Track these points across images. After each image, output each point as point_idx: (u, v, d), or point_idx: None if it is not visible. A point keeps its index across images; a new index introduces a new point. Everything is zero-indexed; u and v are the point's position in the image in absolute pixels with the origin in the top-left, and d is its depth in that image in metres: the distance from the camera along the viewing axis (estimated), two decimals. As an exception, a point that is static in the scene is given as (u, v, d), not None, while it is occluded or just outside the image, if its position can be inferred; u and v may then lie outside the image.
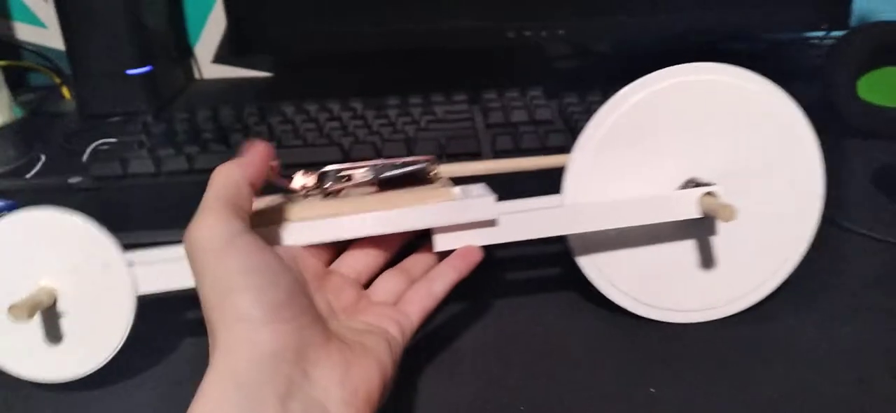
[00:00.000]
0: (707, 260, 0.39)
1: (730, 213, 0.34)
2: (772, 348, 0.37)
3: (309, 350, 0.28)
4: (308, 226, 0.35)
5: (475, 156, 0.57)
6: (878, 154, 0.55)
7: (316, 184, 0.37)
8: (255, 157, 0.33)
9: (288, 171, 0.55)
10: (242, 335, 0.27)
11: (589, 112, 0.60)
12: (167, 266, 0.35)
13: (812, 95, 0.42)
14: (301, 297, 0.30)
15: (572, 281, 0.42)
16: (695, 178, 0.37)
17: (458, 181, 0.38)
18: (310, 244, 0.35)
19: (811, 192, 0.38)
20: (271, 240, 0.34)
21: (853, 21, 0.70)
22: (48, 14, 0.85)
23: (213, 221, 0.30)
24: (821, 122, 0.38)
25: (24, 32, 0.87)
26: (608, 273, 0.39)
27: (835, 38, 0.65)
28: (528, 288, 0.43)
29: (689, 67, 0.36)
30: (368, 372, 0.29)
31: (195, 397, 0.26)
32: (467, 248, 0.36)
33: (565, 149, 0.56)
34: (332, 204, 0.36)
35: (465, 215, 0.35)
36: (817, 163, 0.38)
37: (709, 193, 0.36)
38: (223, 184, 0.31)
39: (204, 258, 0.29)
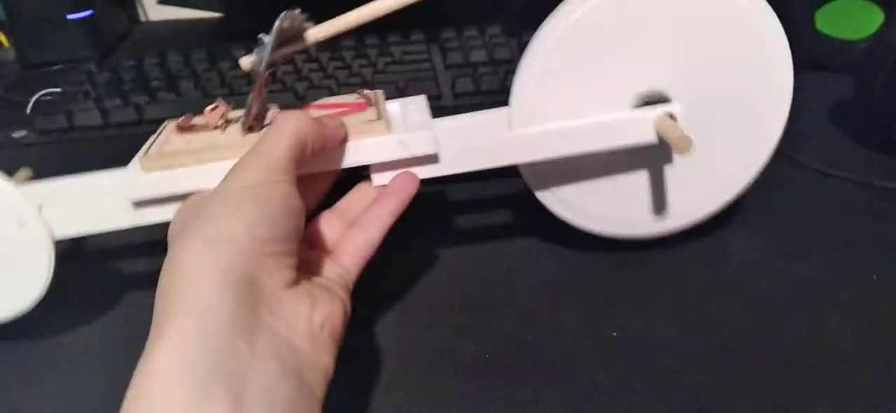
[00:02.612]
0: (662, 171, 0.38)
1: (685, 145, 0.32)
2: (727, 286, 0.38)
3: (278, 289, 0.27)
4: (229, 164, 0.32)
5: (435, 98, 0.56)
6: (834, 87, 0.55)
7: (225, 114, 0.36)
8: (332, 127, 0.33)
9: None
10: (212, 259, 0.25)
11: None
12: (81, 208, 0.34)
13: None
14: (295, 242, 0.29)
15: (529, 225, 0.42)
16: (656, 89, 0.36)
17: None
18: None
19: (775, 116, 0.37)
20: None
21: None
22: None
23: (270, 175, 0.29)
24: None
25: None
26: (559, 192, 0.38)
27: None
28: (482, 232, 0.43)
29: None
30: (332, 308, 0.29)
31: (155, 331, 0.24)
32: (401, 179, 0.35)
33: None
34: (252, 139, 0.33)
35: (401, 152, 0.34)
36: (787, 87, 0.37)
37: (667, 113, 0.34)
38: (294, 138, 0.30)
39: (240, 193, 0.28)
